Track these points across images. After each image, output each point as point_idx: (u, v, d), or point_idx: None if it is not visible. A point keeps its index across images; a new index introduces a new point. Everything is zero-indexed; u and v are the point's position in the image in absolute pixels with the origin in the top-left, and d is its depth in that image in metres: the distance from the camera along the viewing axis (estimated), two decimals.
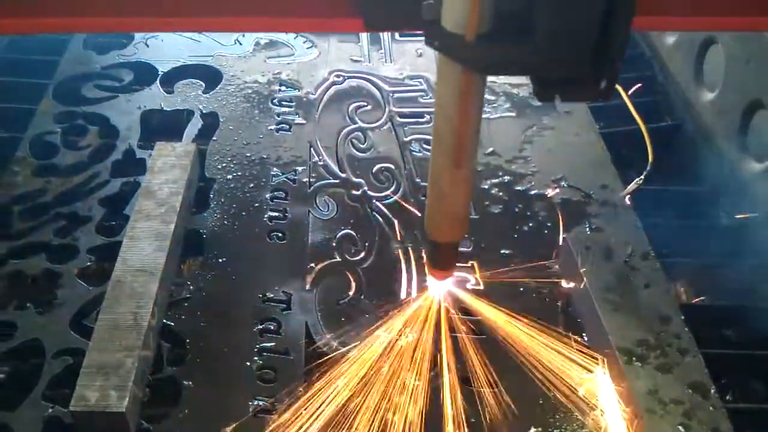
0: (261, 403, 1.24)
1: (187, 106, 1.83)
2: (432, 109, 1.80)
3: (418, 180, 1.66)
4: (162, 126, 1.76)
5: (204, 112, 1.81)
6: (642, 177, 1.63)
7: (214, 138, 1.74)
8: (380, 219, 1.57)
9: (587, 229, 1.53)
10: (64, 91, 1.86)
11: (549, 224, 1.56)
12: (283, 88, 1.90)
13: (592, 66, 0.92)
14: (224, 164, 1.68)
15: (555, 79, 1.00)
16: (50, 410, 1.22)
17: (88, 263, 1.45)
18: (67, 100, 1.83)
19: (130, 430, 1.17)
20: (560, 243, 1.48)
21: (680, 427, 1.14)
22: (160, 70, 1.93)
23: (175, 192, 1.49)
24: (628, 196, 1.62)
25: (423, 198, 1.62)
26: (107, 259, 1.43)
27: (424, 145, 1.75)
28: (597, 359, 1.24)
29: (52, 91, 1.85)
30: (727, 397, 1.29)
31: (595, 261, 1.39)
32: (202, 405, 1.23)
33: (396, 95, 1.88)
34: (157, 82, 1.90)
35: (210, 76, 1.92)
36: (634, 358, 1.23)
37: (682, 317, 1.36)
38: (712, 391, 1.25)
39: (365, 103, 1.85)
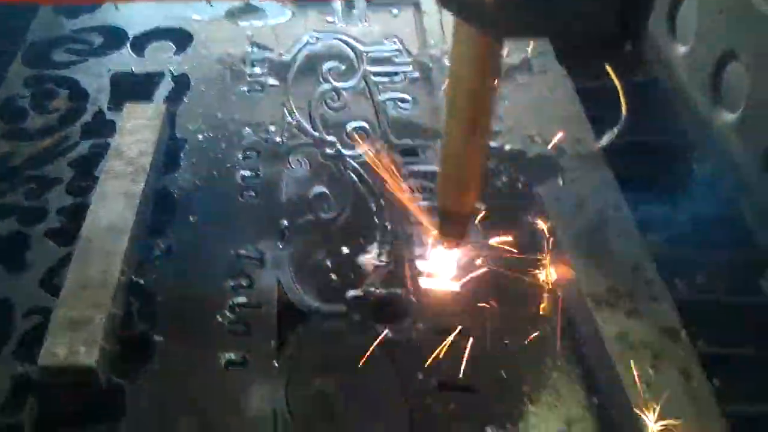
0: (232, 356, 1.23)
1: (157, 69, 1.81)
2: (406, 69, 1.80)
3: (392, 138, 1.65)
4: (132, 88, 1.74)
5: (175, 74, 1.79)
6: (615, 130, 1.62)
7: (185, 99, 1.73)
8: (354, 177, 1.56)
9: (560, 182, 1.52)
10: (33, 56, 1.84)
11: (522, 179, 1.56)
12: (256, 50, 1.88)
13: (617, 27, 0.90)
14: (195, 125, 1.66)
15: (577, 43, 0.99)
16: (20, 368, 1.21)
17: (58, 224, 1.44)
18: (37, 64, 1.81)
19: (100, 385, 1.16)
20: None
21: (650, 369, 1.14)
22: (130, 33, 1.91)
23: (144, 152, 1.48)
24: (601, 148, 1.61)
25: (397, 155, 1.62)
26: (77, 219, 1.42)
27: (399, 104, 1.74)
28: None
29: (22, 56, 1.83)
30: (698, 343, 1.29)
31: (565, 212, 1.39)
32: (174, 359, 1.23)
33: (370, 55, 1.86)
34: (128, 45, 1.88)
35: (181, 39, 1.90)
36: (603, 304, 1.23)
37: (654, 265, 1.36)
38: (683, 334, 1.25)
39: (339, 64, 1.84)
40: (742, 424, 1.16)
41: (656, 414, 1.09)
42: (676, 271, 1.40)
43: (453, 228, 1.22)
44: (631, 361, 1.15)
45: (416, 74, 1.82)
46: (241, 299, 1.32)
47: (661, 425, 1.08)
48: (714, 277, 1.43)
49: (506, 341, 1.25)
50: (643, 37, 1.00)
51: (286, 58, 1.85)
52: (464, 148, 1.10)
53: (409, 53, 1.87)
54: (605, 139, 1.63)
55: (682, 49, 1.68)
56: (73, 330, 1.17)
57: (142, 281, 1.34)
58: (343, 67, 1.83)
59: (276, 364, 1.22)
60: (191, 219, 1.46)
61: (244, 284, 1.35)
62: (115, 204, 1.36)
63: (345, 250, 1.41)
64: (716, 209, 1.55)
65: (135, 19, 1.94)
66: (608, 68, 1.71)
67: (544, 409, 1.17)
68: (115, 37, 1.90)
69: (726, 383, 1.23)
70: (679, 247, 1.46)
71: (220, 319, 1.29)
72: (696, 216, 1.53)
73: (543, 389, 1.21)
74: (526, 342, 1.25)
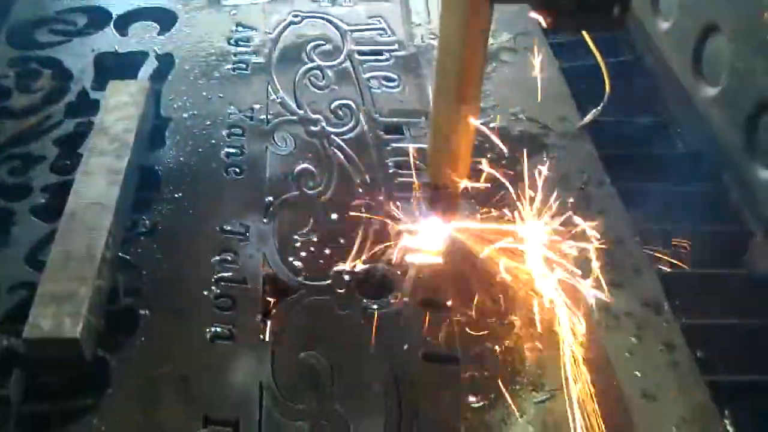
0: (218, 329, 1.24)
1: (141, 48, 1.80)
2: (390, 47, 1.80)
3: (376, 115, 1.65)
4: (116, 68, 1.74)
5: (159, 53, 1.79)
6: (599, 108, 1.63)
7: (169, 78, 1.72)
8: (339, 153, 1.56)
9: (544, 159, 1.53)
10: (17, 36, 1.83)
11: (506, 154, 1.56)
12: (240, 28, 1.87)
13: None
14: (180, 103, 1.66)
15: (566, 8, 0.99)
16: (5, 341, 1.21)
17: (43, 201, 1.44)
18: (21, 45, 1.80)
19: (84, 357, 1.16)
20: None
21: (633, 338, 1.15)
22: (114, 13, 1.90)
23: (128, 129, 1.47)
24: (585, 126, 1.62)
25: (381, 132, 1.62)
26: (62, 196, 1.41)
27: (383, 82, 1.74)
28: None
29: (5, 36, 1.82)
30: (682, 320, 1.30)
31: (551, 184, 1.40)
32: (159, 333, 1.23)
33: (355, 34, 1.86)
34: (111, 25, 1.87)
35: (165, 18, 1.89)
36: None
37: (637, 239, 1.38)
38: (666, 307, 1.27)
39: (323, 42, 1.83)
40: (725, 393, 1.18)
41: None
42: (659, 245, 1.41)
43: (443, 202, 1.23)
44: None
45: (401, 53, 1.82)
46: (227, 274, 1.32)
47: None
48: (697, 250, 1.44)
49: (490, 315, 1.26)
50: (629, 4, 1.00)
51: (270, 35, 1.85)
52: (454, 119, 1.11)
53: (393, 33, 1.86)
54: (589, 117, 1.64)
55: (665, 25, 1.69)
56: (57, 303, 1.17)
57: (127, 256, 1.34)
58: (328, 47, 1.82)
59: (262, 338, 1.23)
60: (176, 195, 1.45)
61: (230, 259, 1.35)
62: (99, 180, 1.36)
63: (329, 225, 1.40)
64: (699, 185, 1.56)
65: None
66: (593, 47, 1.72)
67: (527, 379, 1.18)
68: (98, 17, 1.89)
69: (709, 354, 1.25)
70: (661, 221, 1.48)
71: (206, 294, 1.29)
72: (679, 191, 1.54)
73: (525, 360, 1.21)
74: (509, 314, 1.25)
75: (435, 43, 1.74)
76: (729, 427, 1.14)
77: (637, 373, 1.11)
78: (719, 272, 1.40)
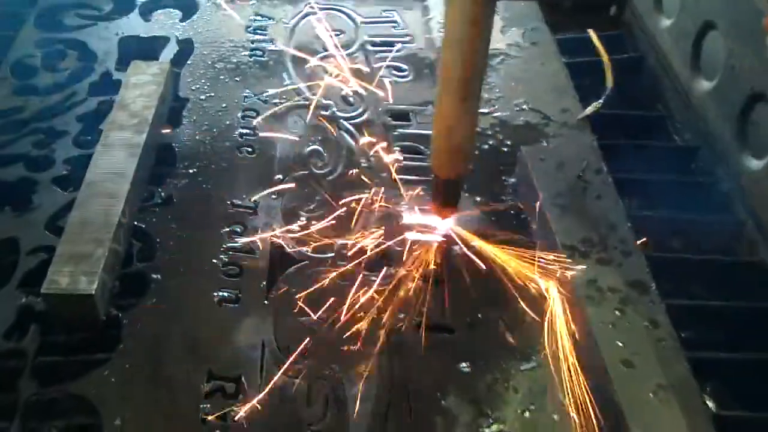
0: (225, 294, 1.31)
1: (163, 34, 1.88)
2: (402, 39, 1.87)
3: (385, 102, 1.72)
4: (139, 51, 1.81)
5: (180, 38, 1.87)
6: (600, 101, 1.69)
7: (189, 62, 1.80)
8: (347, 137, 1.63)
9: (544, 144, 1.59)
10: (44, 19, 1.91)
11: (508, 142, 1.63)
12: (258, 17, 1.95)
13: None
14: (197, 86, 1.74)
15: (566, 7, 1.03)
16: (24, 300, 1.29)
17: (65, 172, 1.51)
18: (48, 27, 1.89)
19: (99, 314, 1.23)
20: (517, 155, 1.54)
21: (617, 312, 1.21)
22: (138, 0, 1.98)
23: (148, 106, 1.55)
24: (586, 117, 1.68)
25: (389, 119, 1.69)
26: (83, 168, 1.49)
27: (394, 72, 1.81)
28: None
29: (34, 19, 1.90)
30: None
31: (548, 171, 1.46)
32: (169, 296, 1.30)
33: (368, 26, 1.93)
34: (136, 11, 1.95)
35: (187, 6, 1.97)
36: (577, 254, 1.30)
37: (629, 225, 1.43)
38: (653, 287, 1.32)
39: (338, 32, 1.90)
40: (711, 370, 1.23)
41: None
42: (651, 232, 1.46)
43: (446, 195, 1.27)
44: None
45: (413, 45, 1.89)
46: (235, 244, 1.39)
47: None
48: (688, 239, 1.50)
49: (482, 289, 1.31)
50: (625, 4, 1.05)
51: (287, 25, 1.92)
52: (457, 114, 1.14)
53: (407, 25, 1.93)
54: (590, 109, 1.70)
55: (666, 23, 1.75)
56: (74, 262, 1.24)
57: (142, 225, 1.41)
58: (342, 36, 1.89)
59: (266, 303, 1.29)
60: (191, 171, 1.53)
61: (239, 231, 1.42)
62: (118, 152, 1.43)
63: (334, 202, 1.47)
64: (694, 176, 1.62)
65: None
66: (598, 44, 1.79)
67: (515, 350, 1.24)
68: (123, 3, 1.97)
69: (696, 335, 1.30)
70: (656, 210, 1.53)
71: (215, 262, 1.36)
72: (674, 182, 1.60)
73: (515, 330, 1.27)
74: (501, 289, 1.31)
75: None
76: (708, 400, 1.19)
77: (619, 343, 1.16)
78: (710, 258, 1.45)
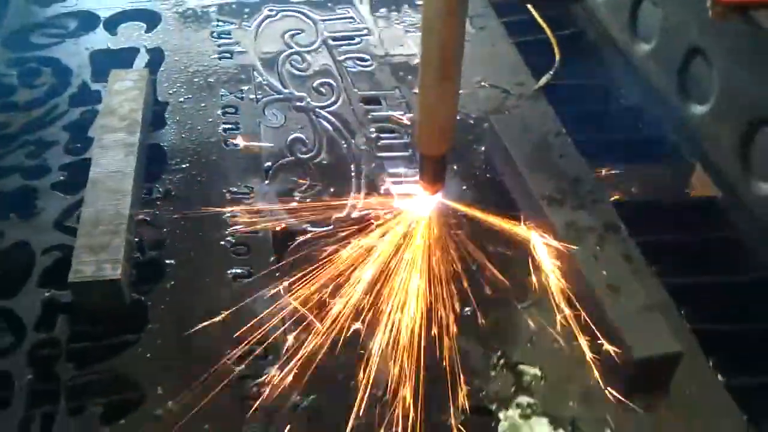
0: (238, 270, 1.40)
1: (132, 45, 1.96)
2: (360, 33, 2.00)
3: (355, 90, 1.84)
4: (111, 62, 1.88)
5: (149, 48, 1.95)
6: (551, 72, 1.85)
7: (162, 69, 1.88)
8: (326, 124, 1.74)
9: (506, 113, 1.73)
10: (13, 41, 1.96)
11: (473, 116, 1.77)
12: (220, 23, 2.05)
13: None
14: (174, 90, 1.82)
15: None
16: (47, 294, 1.36)
17: (62, 177, 1.58)
18: (17, 47, 1.94)
19: (125, 299, 1.31)
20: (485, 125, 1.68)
21: (597, 247, 1.35)
22: (102, 16, 2.05)
23: (135, 109, 1.63)
24: (539, 89, 1.84)
25: (361, 104, 1.81)
26: (79, 174, 1.56)
27: (357, 62, 1.93)
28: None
29: (2, 41, 1.96)
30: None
31: (515, 135, 1.60)
32: (186, 277, 1.39)
33: (327, 22, 2.05)
34: (101, 26, 2.02)
35: (150, 19, 2.05)
36: (553, 202, 1.44)
37: (593, 176, 1.58)
38: (622, 228, 1.47)
39: (299, 30, 2.02)
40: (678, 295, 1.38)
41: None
42: (612, 184, 1.62)
43: (432, 172, 1.37)
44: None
45: (370, 37, 2.01)
46: (239, 227, 1.48)
47: None
48: (645, 185, 1.66)
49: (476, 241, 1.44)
50: None
51: (249, 28, 2.02)
52: (438, 94, 1.21)
53: (362, 20, 2.06)
54: (543, 80, 1.85)
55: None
56: (95, 253, 1.31)
57: (147, 218, 1.49)
58: (303, 34, 2.01)
59: (277, 275, 1.39)
60: (183, 166, 1.61)
61: (239, 214, 1.51)
62: (116, 152, 1.51)
63: (324, 182, 1.58)
64: (645, 131, 1.79)
65: (104, 3, 2.08)
66: (542, 23, 1.95)
67: (510, 291, 1.37)
68: (88, 21, 2.03)
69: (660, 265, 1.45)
70: (613, 164, 1.69)
71: (222, 244, 1.45)
72: (626, 139, 1.77)
73: (506, 278, 1.40)
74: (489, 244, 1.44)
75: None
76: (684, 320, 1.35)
77: (603, 272, 1.31)
78: (665, 200, 1.61)
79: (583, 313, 1.29)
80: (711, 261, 1.49)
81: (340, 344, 1.27)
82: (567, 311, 1.32)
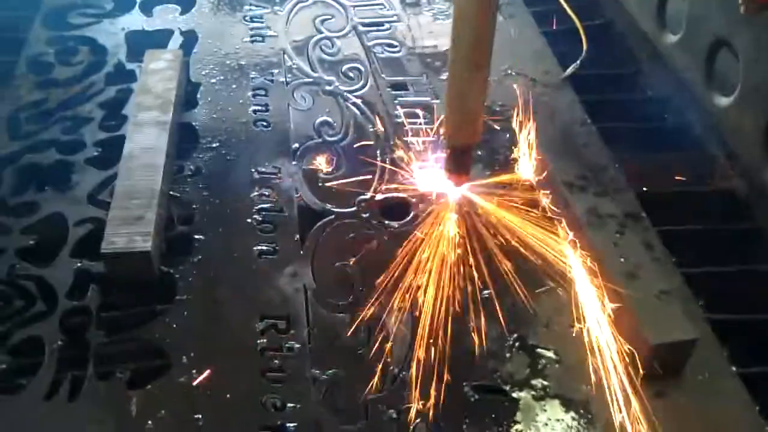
0: (263, 247, 1.44)
1: (167, 27, 2.01)
2: (389, 19, 2.02)
3: (383, 75, 1.86)
4: (146, 43, 1.92)
5: (183, 30, 1.99)
6: (578, 62, 1.86)
7: (195, 51, 1.93)
8: (353, 108, 1.77)
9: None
10: (51, 20, 2.02)
11: (500, 102, 1.79)
12: (253, 7, 2.08)
13: None
14: (207, 71, 1.86)
15: None
16: (78, 264, 1.40)
17: (96, 153, 1.63)
18: (56, 27, 1.99)
19: (154, 270, 1.36)
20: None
21: (617, 234, 1.37)
22: None
23: (168, 88, 1.67)
24: (566, 78, 1.85)
25: (389, 89, 1.84)
26: (112, 149, 1.61)
27: (386, 48, 1.95)
28: None
29: (41, 20, 2.01)
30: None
31: (541, 122, 1.61)
32: (213, 252, 1.43)
33: (357, 8, 2.08)
34: (137, 7, 2.07)
35: (185, 1, 2.10)
36: (575, 188, 1.46)
37: (617, 165, 1.60)
38: (644, 216, 1.49)
39: (330, 16, 2.05)
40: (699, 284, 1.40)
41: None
42: (636, 173, 1.63)
43: (460, 162, 1.38)
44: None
45: (399, 24, 2.04)
46: (266, 205, 1.52)
47: None
48: (667, 174, 1.67)
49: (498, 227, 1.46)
50: None
51: (281, 12, 2.06)
52: (469, 83, 1.20)
53: (393, 6, 2.09)
54: (570, 70, 1.86)
55: None
56: (127, 226, 1.36)
57: (178, 194, 1.53)
58: (334, 19, 2.04)
59: (301, 253, 1.43)
60: (213, 145, 1.65)
61: (266, 194, 1.55)
62: (149, 129, 1.56)
63: (349, 164, 1.61)
64: (669, 121, 1.80)
65: None
66: (570, 13, 1.95)
67: (530, 276, 1.39)
68: (124, 1, 2.08)
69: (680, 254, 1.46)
70: (637, 153, 1.70)
71: (249, 221, 1.49)
72: (651, 128, 1.77)
73: (527, 262, 1.43)
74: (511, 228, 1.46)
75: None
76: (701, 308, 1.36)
77: (621, 259, 1.32)
78: (689, 188, 1.62)
79: (600, 298, 1.31)
80: (731, 251, 1.50)
81: (360, 321, 1.30)
82: (585, 296, 1.34)
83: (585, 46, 1.90)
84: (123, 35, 1.97)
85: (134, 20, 2.03)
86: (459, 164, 1.35)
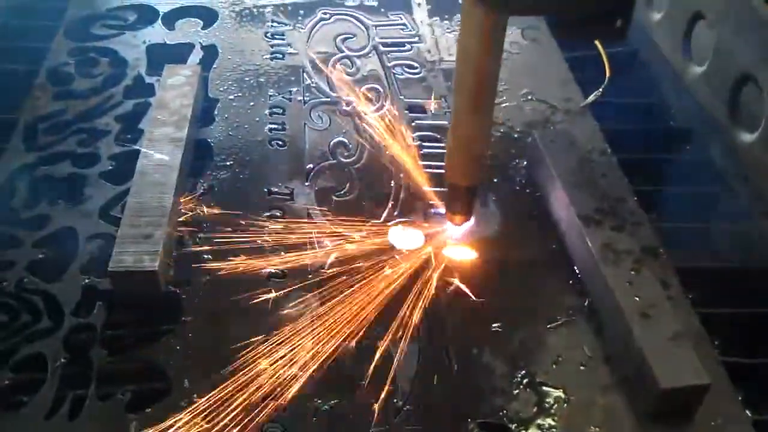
0: (272, 270, 1.42)
1: (188, 41, 2.01)
2: (411, 40, 2.01)
3: (402, 97, 1.85)
4: (166, 57, 1.92)
5: (204, 44, 1.99)
6: (600, 90, 1.83)
7: (215, 66, 1.92)
8: (369, 129, 1.76)
9: (552, 128, 1.73)
10: (74, 30, 2.02)
11: (518, 129, 1.77)
12: (275, 24, 2.08)
13: (607, 6, 1.02)
14: (225, 87, 1.86)
15: (573, 19, 1.10)
16: (87, 280, 1.40)
17: (110, 167, 1.63)
18: (78, 38, 2.00)
19: (160, 290, 1.35)
20: (529, 140, 1.67)
21: (632, 271, 1.34)
22: (161, 10, 2.10)
23: (185, 104, 1.66)
24: (588, 105, 1.82)
25: (407, 112, 1.82)
26: (127, 164, 1.60)
27: (406, 69, 1.94)
28: None
29: (63, 31, 2.02)
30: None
31: (558, 152, 1.59)
32: (221, 273, 1.41)
33: (379, 28, 2.07)
34: (159, 21, 2.07)
35: (207, 16, 2.10)
36: (591, 222, 1.43)
37: (635, 199, 1.57)
38: (662, 252, 1.46)
39: (351, 35, 2.04)
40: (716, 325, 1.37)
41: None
42: (656, 207, 1.60)
43: (461, 203, 1.36)
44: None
45: (420, 45, 2.02)
46: (277, 226, 1.51)
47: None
48: (686, 208, 1.64)
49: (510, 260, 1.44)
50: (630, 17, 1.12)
51: (302, 30, 2.05)
52: (471, 124, 1.20)
53: (415, 27, 2.07)
54: (592, 98, 1.84)
55: (657, 16, 1.90)
56: (136, 244, 1.35)
57: (190, 212, 1.52)
58: (355, 38, 2.03)
59: (310, 276, 1.41)
60: (228, 163, 1.65)
61: (278, 215, 1.54)
62: (164, 145, 1.55)
63: (363, 187, 1.59)
64: (690, 155, 1.76)
65: None
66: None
67: (539, 309, 1.37)
68: (146, 14, 2.08)
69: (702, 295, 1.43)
70: (658, 186, 1.67)
71: (260, 243, 1.47)
72: (672, 161, 1.74)
73: (539, 295, 1.40)
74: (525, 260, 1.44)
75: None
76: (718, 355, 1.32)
77: (636, 298, 1.29)
78: (709, 226, 1.59)
79: (612, 338, 1.29)
80: (748, 291, 1.46)
81: (364, 350, 1.28)
82: (596, 334, 1.31)
83: (608, 74, 1.87)
84: (144, 48, 1.97)
85: (156, 33, 2.03)
86: (461, 204, 1.34)
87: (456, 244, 1.45)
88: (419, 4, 2.16)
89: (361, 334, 1.30)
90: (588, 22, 1.10)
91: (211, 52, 1.97)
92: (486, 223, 1.50)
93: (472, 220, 1.42)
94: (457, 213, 1.38)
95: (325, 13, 2.12)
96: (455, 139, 1.26)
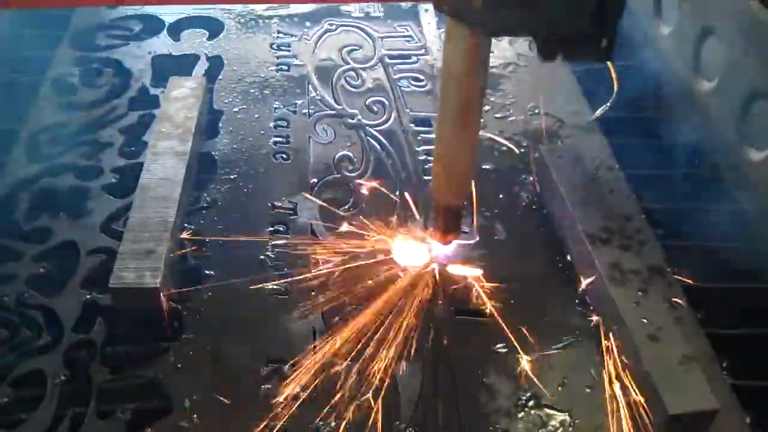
0: (275, 286, 1.41)
1: (193, 52, 2.00)
2: (418, 52, 1.99)
3: (407, 110, 1.83)
4: (171, 68, 1.91)
5: (209, 56, 1.98)
6: (608, 104, 1.81)
7: (220, 77, 1.91)
8: (374, 142, 1.74)
9: (559, 143, 1.71)
10: (78, 40, 2.02)
11: (525, 143, 1.75)
12: (281, 35, 2.07)
13: (592, 27, 1.01)
14: (230, 99, 1.85)
15: (557, 40, 1.09)
16: (88, 296, 1.38)
17: (113, 180, 1.61)
18: (83, 47, 1.99)
19: (162, 307, 1.33)
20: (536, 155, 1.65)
21: (639, 293, 1.32)
22: (166, 21, 2.09)
23: (189, 117, 1.65)
24: (595, 119, 1.80)
25: (412, 125, 1.81)
26: (130, 177, 1.59)
27: (412, 82, 1.93)
28: None
29: (68, 40, 2.01)
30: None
31: (565, 167, 1.57)
32: (223, 289, 1.40)
33: (385, 40, 2.06)
34: (165, 31, 2.06)
35: (213, 26, 2.09)
36: (598, 241, 1.41)
37: (643, 216, 1.55)
38: (669, 272, 1.43)
39: (357, 47, 2.02)
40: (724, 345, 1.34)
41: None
42: (663, 223, 1.58)
43: (447, 222, 1.34)
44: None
45: (427, 57, 2.01)
46: (280, 242, 1.49)
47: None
48: (697, 228, 1.61)
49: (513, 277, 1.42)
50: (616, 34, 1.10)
51: (308, 41, 2.04)
52: (457, 143, 1.18)
53: (422, 38, 2.06)
54: (599, 112, 1.82)
55: (666, 30, 1.88)
56: (138, 260, 1.34)
57: (192, 226, 1.51)
58: (361, 50, 2.01)
59: (313, 294, 1.39)
60: (231, 176, 1.63)
61: (281, 230, 1.52)
62: (167, 159, 1.54)
63: (367, 201, 1.58)
64: (699, 170, 1.74)
65: (170, 8, 2.11)
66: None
67: (545, 330, 1.34)
68: (152, 25, 2.08)
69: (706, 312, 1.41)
70: (666, 202, 1.65)
71: (262, 258, 1.46)
72: (681, 176, 1.72)
73: (544, 315, 1.38)
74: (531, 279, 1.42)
75: None
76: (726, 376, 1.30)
77: (643, 320, 1.27)
78: (716, 245, 1.56)
79: (618, 360, 1.27)
80: (759, 312, 1.44)
81: (366, 372, 1.26)
82: (603, 357, 1.29)
83: (616, 88, 1.85)
84: (149, 59, 1.96)
85: (161, 43, 2.02)
86: (447, 223, 1.32)
87: (460, 262, 1.43)
88: (427, 10, 2.14)
89: (363, 353, 1.28)
90: (572, 42, 1.08)
91: (216, 63, 1.96)
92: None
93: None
94: (443, 231, 1.36)
95: (330, 24, 2.10)
96: (441, 157, 1.24)
